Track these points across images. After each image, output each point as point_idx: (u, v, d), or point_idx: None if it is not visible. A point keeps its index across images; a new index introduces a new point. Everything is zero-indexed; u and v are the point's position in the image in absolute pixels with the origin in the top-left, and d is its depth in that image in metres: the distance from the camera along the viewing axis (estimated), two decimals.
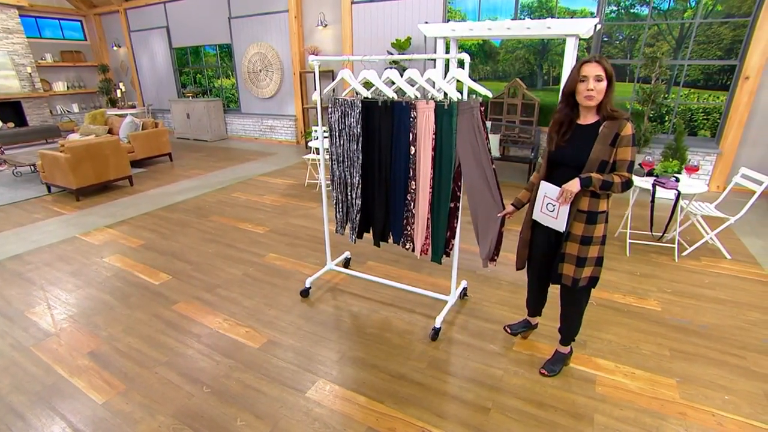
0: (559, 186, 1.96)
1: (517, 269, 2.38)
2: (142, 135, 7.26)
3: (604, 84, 1.82)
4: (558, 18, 5.95)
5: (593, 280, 2.12)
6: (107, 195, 5.82)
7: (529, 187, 2.24)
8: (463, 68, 2.30)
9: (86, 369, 2.43)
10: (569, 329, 2.29)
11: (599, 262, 2.08)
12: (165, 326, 2.83)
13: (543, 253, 2.22)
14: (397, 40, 6.78)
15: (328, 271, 3.39)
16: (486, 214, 2.45)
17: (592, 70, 1.82)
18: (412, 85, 2.48)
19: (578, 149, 1.92)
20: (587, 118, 1.94)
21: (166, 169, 7.34)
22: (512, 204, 2.32)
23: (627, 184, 1.89)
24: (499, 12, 6.66)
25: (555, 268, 2.13)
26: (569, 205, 1.96)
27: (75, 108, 11.52)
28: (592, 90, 1.82)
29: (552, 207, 2.02)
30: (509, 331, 2.66)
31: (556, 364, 2.35)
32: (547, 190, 2.03)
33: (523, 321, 2.67)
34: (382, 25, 7.35)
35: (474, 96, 2.41)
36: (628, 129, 1.83)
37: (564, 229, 2.02)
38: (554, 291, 2.30)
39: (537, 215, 2.13)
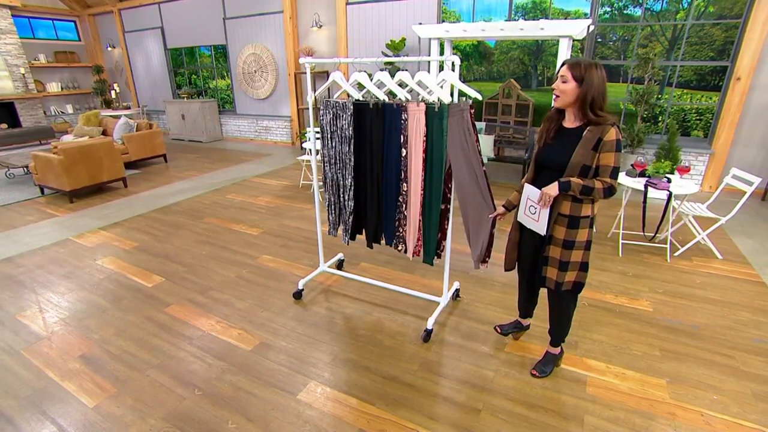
0: (541, 189, 1.97)
1: (506, 270, 2.39)
2: (137, 136, 7.23)
3: (568, 85, 1.84)
4: (552, 19, 5.97)
5: (577, 286, 2.11)
6: (101, 197, 5.79)
7: (520, 189, 2.25)
8: (453, 71, 2.30)
9: (77, 372, 2.43)
10: (558, 331, 2.31)
11: (583, 267, 2.07)
12: (157, 329, 2.82)
13: (531, 255, 2.23)
14: (391, 40, 6.79)
15: (321, 272, 3.39)
16: (477, 215, 2.46)
17: (561, 71, 1.87)
18: (403, 88, 2.48)
19: (561, 152, 1.93)
20: (571, 122, 1.95)
21: (160, 170, 7.32)
22: (503, 205, 2.33)
23: (609, 191, 1.86)
24: (494, 13, 6.68)
25: (539, 271, 2.14)
26: (549, 208, 1.96)
27: (69, 109, 11.46)
28: (555, 89, 1.89)
29: (534, 210, 2.02)
30: (499, 330, 2.66)
31: (546, 365, 2.36)
32: (529, 192, 2.03)
33: (514, 322, 2.68)
34: (377, 25, 7.36)
35: (464, 98, 2.42)
36: (612, 134, 1.81)
37: (545, 233, 2.02)
38: (545, 292, 2.31)
39: (521, 217, 2.14)
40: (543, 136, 2.04)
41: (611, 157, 1.84)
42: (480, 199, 2.42)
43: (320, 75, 8.25)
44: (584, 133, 1.87)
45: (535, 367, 2.36)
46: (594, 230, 2.06)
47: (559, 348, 2.38)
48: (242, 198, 5.63)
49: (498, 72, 7.43)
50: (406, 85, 2.49)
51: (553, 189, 1.90)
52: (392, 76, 2.51)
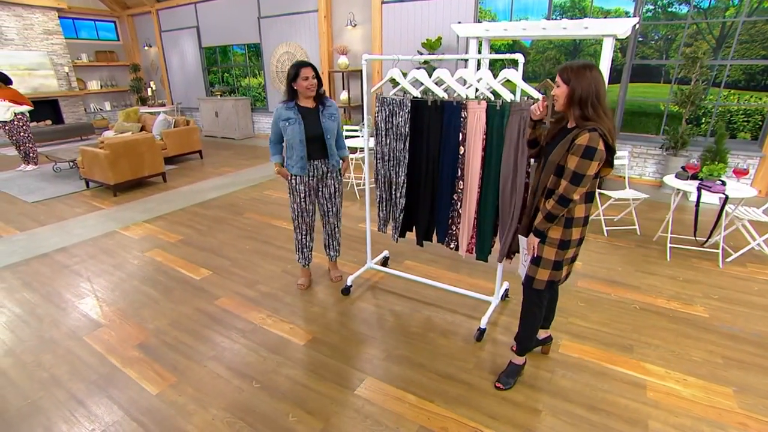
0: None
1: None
2: (174, 132, 7.41)
3: (560, 89, 1.85)
4: (593, 18, 5.85)
5: (550, 284, 2.09)
6: (142, 191, 5.96)
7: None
8: (516, 69, 2.28)
9: (137, 360, 2.50)
10: (521, 336, 2.25)
11: (557, 266, 2.03)
12: (209, 321, 2.89)
13: None
14: (427, 39, 6.76)
15: (368, 269, 3.40)
16: (506, 211, 2.44)
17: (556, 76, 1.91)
18: (462, 85, 2.47)
19: (551, 148, 1.94)
20: (571, 122, 1.92)
21: (197, 166, 7.48)
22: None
23: (561, 202, 1.84)
24: (531, 12, 6.58)
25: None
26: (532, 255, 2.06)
27: (107, 106, 11.83)
28: (553, 94, 1.92)
29: (526, 258, 2.13)
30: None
31: (510, 377, 2.26)
32: (522, 243, 2.17)
33: None
34: (413, 24, 7.34)
35: (525, 98, 2.40)
36: (584, 139, 1.75)
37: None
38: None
39: (521, 270, 2.23)
40: (545, 137, 2.05)
41: (574, 160, 1.79)
42: (510, 197, 2.40)
43: (353, 73, 8.29)
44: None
45: (499, 379, 2.26)
46: (576, 233, 1.96)
47: (524, 359, 2.30)
48: (280, 194, 5.71)
49: (533, 72, 7.34)
50: (467, 83, 2.48)
51: (533, 239, 2.02)
52: (429, 75, 2.50)
